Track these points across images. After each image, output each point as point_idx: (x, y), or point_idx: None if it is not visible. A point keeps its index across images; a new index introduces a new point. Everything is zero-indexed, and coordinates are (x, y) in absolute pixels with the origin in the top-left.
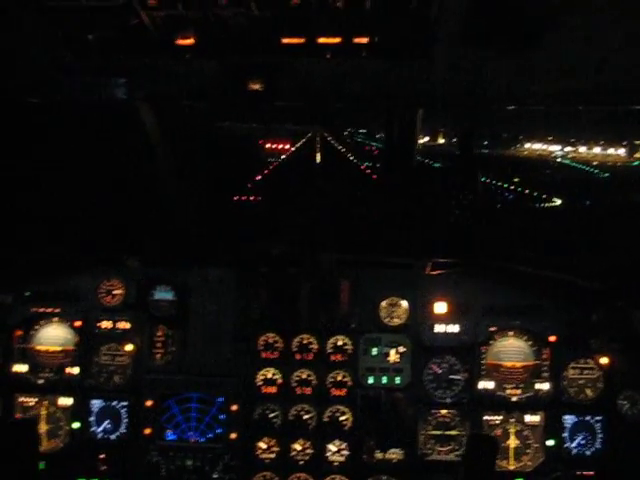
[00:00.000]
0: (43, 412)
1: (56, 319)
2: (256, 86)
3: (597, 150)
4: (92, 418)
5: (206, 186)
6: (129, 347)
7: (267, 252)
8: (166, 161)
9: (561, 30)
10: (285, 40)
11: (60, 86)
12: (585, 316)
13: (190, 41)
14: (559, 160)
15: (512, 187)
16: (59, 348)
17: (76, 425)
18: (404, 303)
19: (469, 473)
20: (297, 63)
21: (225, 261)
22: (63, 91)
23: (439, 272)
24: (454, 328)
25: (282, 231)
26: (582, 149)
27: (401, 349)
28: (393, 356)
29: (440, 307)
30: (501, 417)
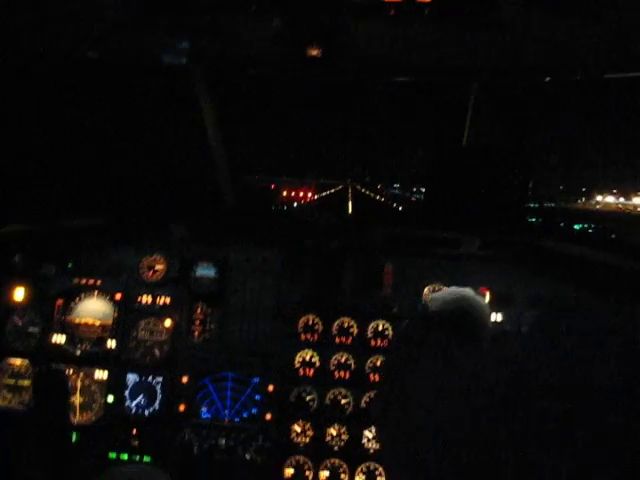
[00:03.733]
0: (78, 384)
1: (96, 292)
2: (314, 52)
3: None
4: (126, 392)
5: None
6: (167, 323)
7: (314, 224)
8: (215, 131)
9: None
10: None
11: (115, 46)
12: (633, 312)
13: None
14: None
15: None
16: (98, 322)
17: (110, 399)
18: None
19: None
20: (358, 27)
21: (270, 235)
22: (118, 52)
23: (487, 253)
24: (497, 317)
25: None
26: None
27: None
28: None
29: (483, 295)
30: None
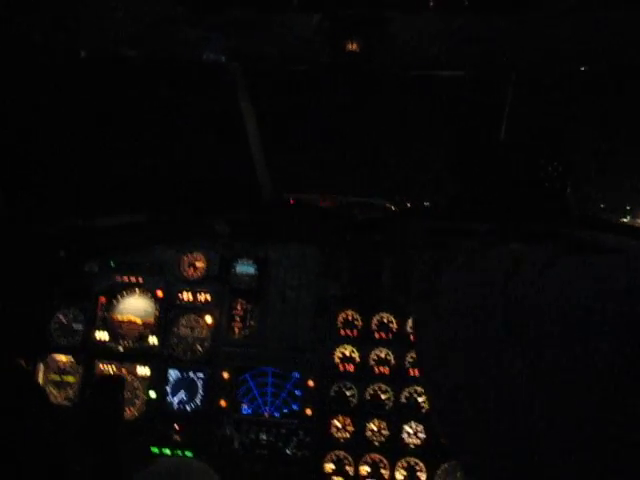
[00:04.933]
0: None
1: (138, 290)
2: (353, 47)
3: None
4: (168, 388)
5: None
6: (208, 319)
7: (353, 219)
8: (253, 126)
9: None
10: None
11: (153, 42)
12: None
13: None
14: None
15: None
16: (139, 320)
17: (152, 395)
18: None
19: None
20: (396, 20)
21: (308, 231)
22: (155, 47)
23: (524, 247)
24: None
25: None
26: None
27: None
28: None
29: None
30: None
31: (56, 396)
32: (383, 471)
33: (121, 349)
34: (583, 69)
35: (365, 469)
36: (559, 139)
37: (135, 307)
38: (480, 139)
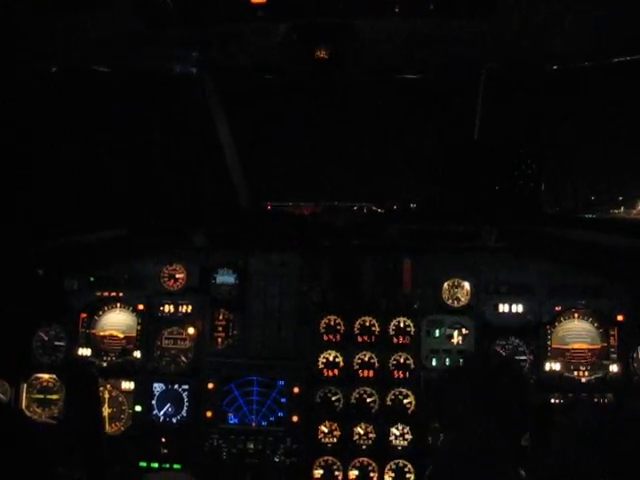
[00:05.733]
0: (106, 395)
1: (119, 304)
2: (322, 54)
3: None
4: (154, 402)
5: None
6: (191, 331)
7: (331, 224)
8: (227, 137)
9: None
10: None
11: (127, 57)
12: None
13: (262, 0)
14: None
15: None
16: (122, 334)
17: (138, 408)
18: (466, 284)
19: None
20: (364, 26)
21: (287, 238)
22: (129, 62)
23: (504, 245)
24: (518, 308)
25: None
26: None
27: (464, 331)
28: (456, 338)
29: (503, 288)
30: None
31: (40, 414)
32: (372, 474)
33: (104, 364)
34: (555, 68)
35: (354, 473)
36: (532, 138)
37: (117, 322)
38: (454, 139)
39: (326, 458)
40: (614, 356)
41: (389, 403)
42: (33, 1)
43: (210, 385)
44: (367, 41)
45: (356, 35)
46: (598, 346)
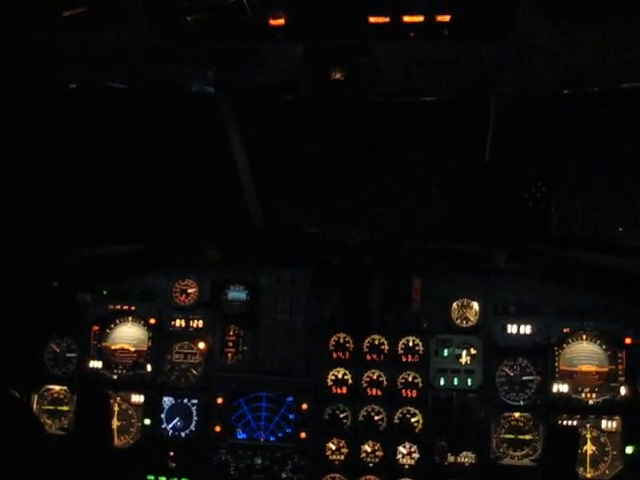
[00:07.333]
0: (115, 408)
1: (131, 318)
2: (338, 75)
3: None
4: (163, 415)
5: None
6: (201, 345)
7: (341, 243)
8: (241, 156)
9: None
10: (372, 19)
11: (144, 73)
12: None
13: (281, 21)
14: None
15: None
16: (133, 347)
17: (147, 422)
18: (475, 304)
19: (549, 469)
20: (380, 49)
21: (300, 255)
22: (146, 79)
23: (513, 266)
24: (526, 329)
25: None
26: None
27: (472, 351)
28: (465, 357)
29: (512, 308)
30: (576, 422)
31: (50, 425)
32: None
33: (115, 377)
34: (566, 92)
35: None
36: (542, 160)
37: (128, 335)
38: (465, 160)
39: (333, 475)
40: (622, 379)
41: (397, 421)
42: (53, 19)
43: (219, 400)
44: (381, 64)
45: (371, 57)
46: (606, 369)
